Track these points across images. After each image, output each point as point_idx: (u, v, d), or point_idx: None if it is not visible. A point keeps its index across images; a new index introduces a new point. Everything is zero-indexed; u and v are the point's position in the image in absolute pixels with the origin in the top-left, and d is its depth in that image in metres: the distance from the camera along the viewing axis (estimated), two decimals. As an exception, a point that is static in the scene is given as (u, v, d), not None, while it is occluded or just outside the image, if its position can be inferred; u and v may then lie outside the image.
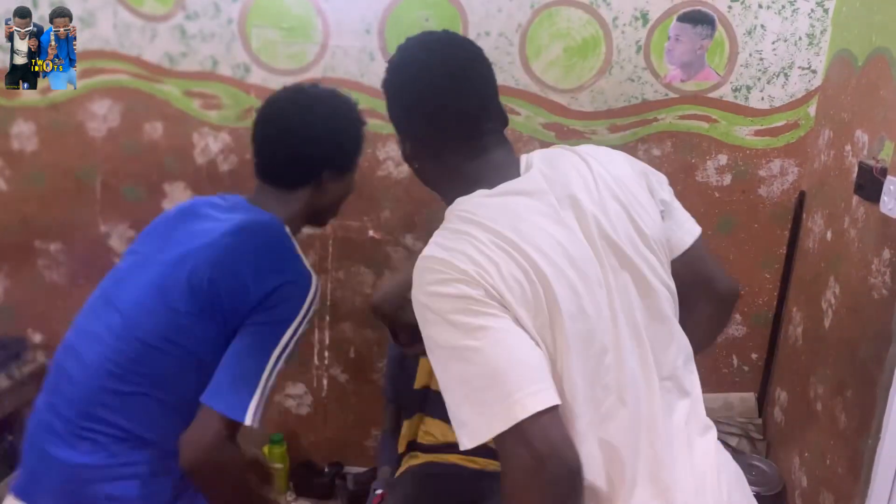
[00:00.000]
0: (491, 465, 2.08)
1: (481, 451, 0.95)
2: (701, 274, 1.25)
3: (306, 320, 1.25)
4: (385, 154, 2.48)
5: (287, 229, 1.35)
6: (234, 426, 1.18)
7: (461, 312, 0.93)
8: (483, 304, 0.93)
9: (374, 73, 2.40)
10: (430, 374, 2.22)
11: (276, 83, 2.43)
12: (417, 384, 2.26)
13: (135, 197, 2.62)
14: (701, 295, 1.25)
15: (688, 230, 1.23)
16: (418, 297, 0.98)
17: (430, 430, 2.22)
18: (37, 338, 2.84)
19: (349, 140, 1.47)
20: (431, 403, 2.21)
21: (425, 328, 0.98)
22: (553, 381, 0.94)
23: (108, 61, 2.49)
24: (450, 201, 1.09)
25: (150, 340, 1.25)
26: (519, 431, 0.88)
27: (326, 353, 2.70)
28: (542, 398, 0.90)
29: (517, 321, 0.94)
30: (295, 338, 1.24)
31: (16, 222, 2.70)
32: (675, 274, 1.14)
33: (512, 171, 1.10)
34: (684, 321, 1.16)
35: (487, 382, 0.91)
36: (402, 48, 1.19)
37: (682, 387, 1.12)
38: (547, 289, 0.95)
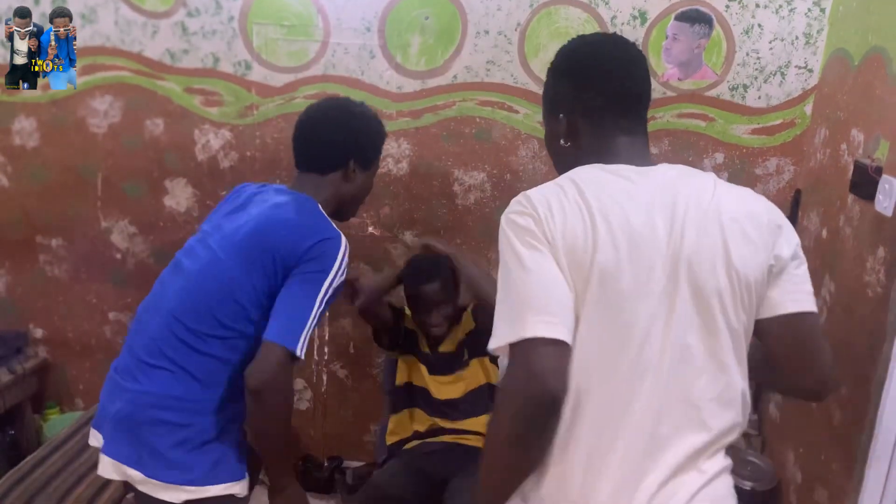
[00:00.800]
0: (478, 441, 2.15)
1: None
2: (799, 350, 1.22)
3: (342, 271, 1.50)
4: (385, 151, 2.47)
5: (320, 206, 1.61)
6: (290, 356, 1.41)
7: (521, 241, 1.09)
8: (539, 240, 1.08)
9: (374, 70, 2.42)
10: (410, 371, 2.26)
11: (277, 80, 2.45)
12: (399, 381, 2.29)
13: (136, 193, 2.64)
14: (794, 368, 1.23)
15: (795, 299, 1.20)
16: (502, 220, 1.15)
17: (417, 423, 2.26)
18: (38, 332, 2.85)
19: (374, 136, 1.76)
20: (419, 398, 2.25)
21: (500, 245, 1.14)
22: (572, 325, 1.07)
23: (109, 58, 2.50)
24: None
25: (213, 296, 1.50)
26: (522, 347, 1.03)
27: (326, 349, 2.72)
28: (551, 329, 1.03)
29: (559, 265, 1.08)
30: (333, 286, 1.48)
31: (17, 218, 2.72)
32: (773, 335, 1.18)
33: (637, 160, 1.19)
34: (764, 367, 1.23)
35: (518, 300, 1.07)
36: (579, 38, 1.32)
37: (703, 420, 1.13)
38: (595, 250, 1.07)
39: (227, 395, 1.50)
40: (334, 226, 1.56)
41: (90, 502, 1.92)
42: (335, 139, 1.67)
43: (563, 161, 1.27)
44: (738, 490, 2.28)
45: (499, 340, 1.08)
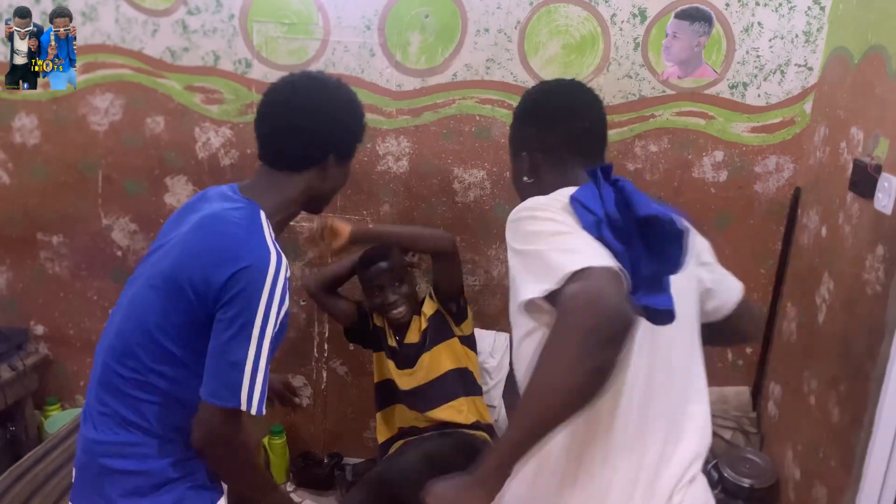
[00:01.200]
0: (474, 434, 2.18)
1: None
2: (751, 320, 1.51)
3: (275, 299, 1.25)
4: (385, 149, 2.50)
5: (262, 214, 1.35)
6: (230, 413, 1.25)
7: (548, 218, 1.14)
8: (567, 222, 1.13)
9: (375, 68, 2.42)
10: (381, 368, 2.30)
11: (277, 78, 2.45)
12: (376, 378, 2.32)
13: (136, 191, 2.64)
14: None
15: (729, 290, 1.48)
16: (521, 213, 1.18)
17: (400, 420, 2.28)
18: (39, 329, 2.86)
19: (356, 124, 1.50)
20: (402, 395, 2.26)
21: (529, 225, 1.15)
22: None
23: (110, 55, 2.51)
24: None
25: (134, 335, 1.32)
26: (586, 274, 1.00)
27: (326, 346, 2.72)
28: (610, 262, 1.03)
29: None
30: (268, 322, 1.25)
31: (18, 215, 2.72)
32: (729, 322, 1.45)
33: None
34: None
35: (562, 248, 1.07)
36: (542, 83, 1.50)
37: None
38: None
39: (175, 436, 1.34)
40: (261, 242, 1.30)
41: (91, 498, 1.92)
42: (314, 132, 1.40)
43: (528, 196, 1.32)
44: (737, 487, 2.30)
45: (548, 280, 1.02)
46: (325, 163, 1.43)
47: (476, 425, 2.21)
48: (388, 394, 2.30)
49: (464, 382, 2.25)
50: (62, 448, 2.13)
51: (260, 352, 1.25)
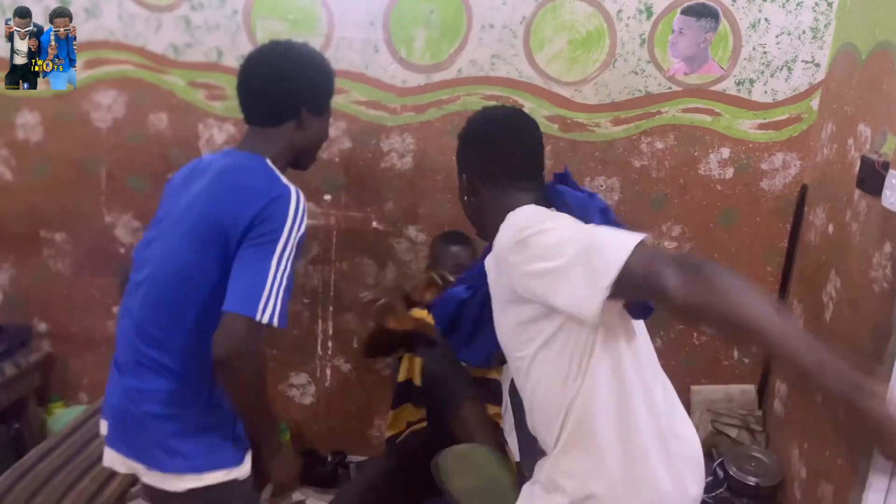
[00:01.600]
0: None
1: None
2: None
3: (297, 226, 1.42)
4: (389, 146, 2.49)
5: (269, 161, 1.51)
6: (252, 324, 1.34)
7: (560, 217, 1.26)
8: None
9: (379, 64, 2.41)
10: (411, 368, 2.25)
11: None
12: (400, 377, 2.29)
13: (139, 187, 2.63)
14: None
15: None
16: (523, 234, 1.21)
17: (409, 416, 2.26)
18: (42, 327, 2.86)
19: (324, 79, 1.62)
20: (416, 394, 2.24)
21: (543, 239, 1.19)
22: None
23: (113, 52, 2.50)
24: (487, 233, 1.41)
25: (171, 285, 1.45)
26: (644, 246, 1.10)
27: (330, 344, 2.72)
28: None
29: None
30: (291, 243, 1.40)
31: (21, 212, 2.72)
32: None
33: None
34: None
35: (602, 232, 1.17)
36: (483, 109, 1.56)
37: None
38: None
39: (211, 384, 1.47)
40: (283, 181, 1.47)
41: (94, 496, 1.92)
42: (284, 88, 1.54)
43: (472, 214, 1.51)
44: (743, 485, 2.29)
45: (604, 276, 1.09)
46: (300, 115, 1.56)
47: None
48: (406, 393, 2.27)
49: (487, 391, 2.22)
50: (66, 445, 2.13)
51: (280, 268, 1.38)
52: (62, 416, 2.77)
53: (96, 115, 2.57)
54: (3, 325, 2.74)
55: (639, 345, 1.33)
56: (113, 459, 1.53)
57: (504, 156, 1.44)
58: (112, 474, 2.00)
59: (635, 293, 1.16)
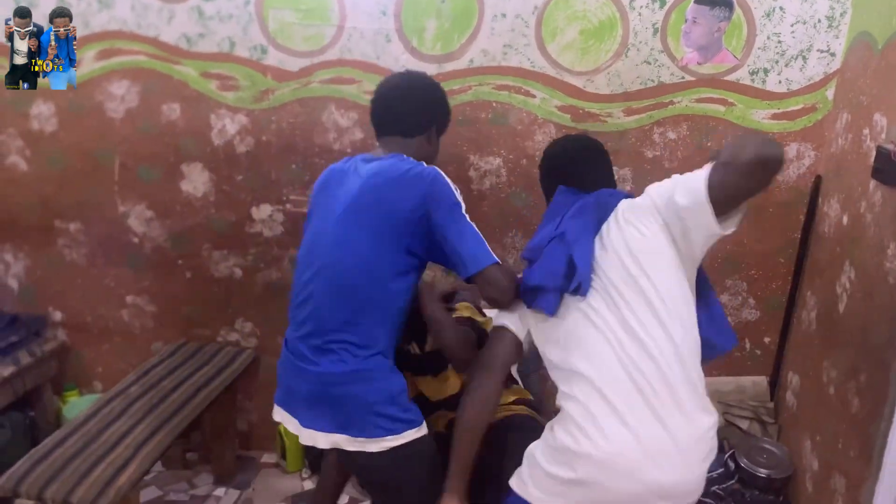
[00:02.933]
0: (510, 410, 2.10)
1: None
2: None
3: (454, 188, 1.67)
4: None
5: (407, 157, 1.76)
6: (498, 267, 1.63)
7: None
8: None
9: (390, 54, 2.41)
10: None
11: (293, 65, 2.45)
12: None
13: (152, 178, 2.65)
14: None
15: None
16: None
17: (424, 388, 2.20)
18: (57, 316, 2.88)
19: (449, 109, 1.89)
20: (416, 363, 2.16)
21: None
22: None
23: (126, 42, 2.51)
24: None
25: (354, 272, 1.65)
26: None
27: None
28: None
29: None
30: (461, 200, 1.67)
31: (36, 202, 2.74)
32: None
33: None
34: None
35: None
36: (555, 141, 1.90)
37: None
38: None
39: (394, 350, 1.72)
40: (425, 165, 1.71)
41: (108, 483, 1.94)
42: (423, 107, 1.83)
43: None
44: (754, 477, 2.29)
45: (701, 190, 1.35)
46: (430, 132, 1.82)
47: (518, 402, 2.14)
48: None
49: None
50: (80, 433, 2.15)
51: (471, 223, 1.65)
52: (77, 405, 2.80)
53: (109, 105, 2.59)
54: (18, 314, 2.77)
55: None
56: (314, 439, 1.70)
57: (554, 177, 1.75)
58: (125, 464, 2.02)
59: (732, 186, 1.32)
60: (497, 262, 1.63)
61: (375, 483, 1.79)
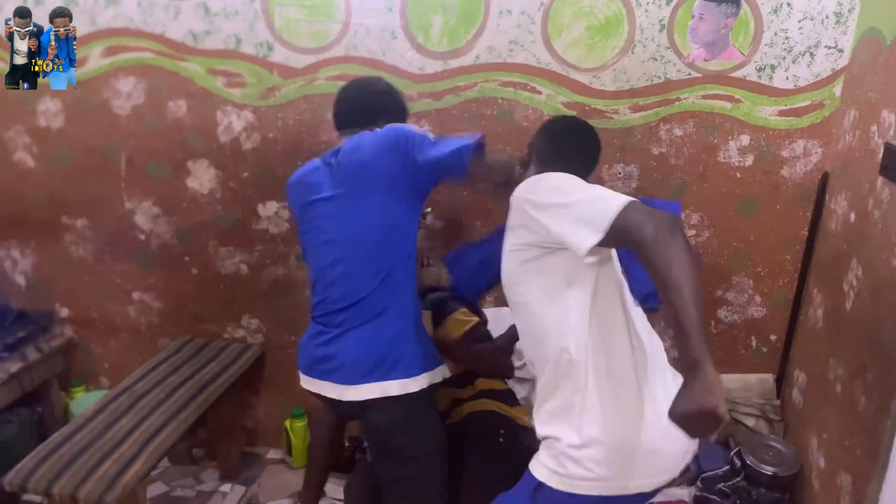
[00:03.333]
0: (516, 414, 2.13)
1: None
2: None
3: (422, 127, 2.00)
4: (406, 133, 2.48)
5: None
6: (474, 149, 1.83)
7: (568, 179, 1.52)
8: None
9: (396, 51, 2.40)
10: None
11: (299, 62, 2.45)
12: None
13: (158, 174, 2.65)
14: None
15: None
16: (545, 177, 1.53)
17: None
18: (64, 312, 2.89)
19: (403, 101, 2.06)
20: None
21: (560, 180, 1.49)
22: None
23: (132, 39, 2.51)
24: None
25: (371, 235, 1.82)
26: (634, 206, 1.30)
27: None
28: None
29: None
30: (431, 134, 1.86)
31: (43, 199, 2.75)
32: None
33: None
34: None
35: (595, 196, 1.38)
36: (563, 117, 1.98)
37: None
38: None
39: (414, 295, 1.91)
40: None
41: (115, 479, 1.95)
42: (377, 98, 2.00)
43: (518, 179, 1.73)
44: (760, 475, 2.28)
45: (606, 215, 1.31)
46: (376, 125, 1.91)
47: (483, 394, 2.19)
48: None
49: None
50: (87, 429, 2.16)
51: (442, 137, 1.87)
52: (84, 400, 2.81)
53: (116, 102, 2.59)
54: (25, 310, 2.79)
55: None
56: (365, 393, 1.82)
57: (554, 149, 1.74)
58: (132, 459, 2.03)
59: (619, 240, 1.33)
60: (469, 145, 1.79)
61: (397, 448, 1.87)
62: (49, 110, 2.64)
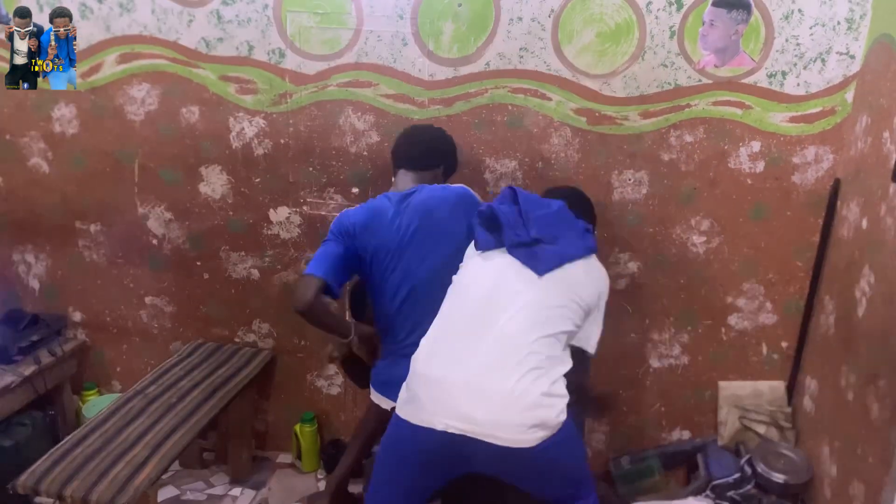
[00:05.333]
0: None
1: None
2: None
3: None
4: (416, 139, 2.49)
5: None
6: None
7: None
8: None
9: (407, 58, 2.42)
10: None
11: (311, 68, 2.47)
12: None
13: (172, 179, 2.68)
14: None
15: None
16: None
17: None
18: (77, 315, 2.92)
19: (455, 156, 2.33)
20: None
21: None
22: None
23: (146, 46, 2.54)
24: None
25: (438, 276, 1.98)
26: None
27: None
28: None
29: None
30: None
31: (57, 203, 2.78)
32: None
33: None
34: None
35: None
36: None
37: None
38: None
39: None
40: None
41: (127, 482, 1.96)
42: (437, 148, 2.26)
43: None
44: (771, 483, 2.27)
45: None
46: (438, 170, 2.22)
47: None
48: None
49: None
50: (100, 432, 2.18)
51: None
52: (96, 404, 2.83)
53: (130, 108, 2.62)
54: (39, 313, 2.81)
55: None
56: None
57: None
58: (143, 462, 2.04)
59: None
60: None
61: None
62: (64, 116, 2.67)
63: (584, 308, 1.84)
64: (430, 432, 1.70)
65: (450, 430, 1.68)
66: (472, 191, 2.14)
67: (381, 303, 2.09)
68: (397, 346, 2.08)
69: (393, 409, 1.91)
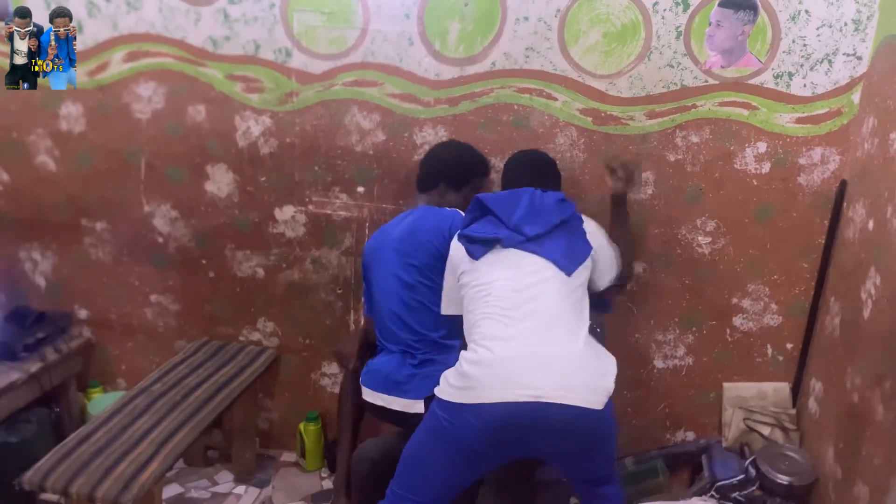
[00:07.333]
0: None
1: None
2: None
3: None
4: (422, 139, 2.50)
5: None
6: None
7: None
8: None
9: (413, 57, 2.42)
10: None
11: (317, 67, 2.47)
12: None
13: (178, 178, 2.68)
14: None
15: None
16: None
17: None
18: (82, 313, 2.93)
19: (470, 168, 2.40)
20: None
21: None
22: None
23: (153, 44, 2.54)
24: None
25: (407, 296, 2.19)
26: None
27: (361, 334, 2.74)
28: None
29: None
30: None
31: (63, 201, 2.79)
32: None
33: None
34: None
35: None
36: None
37: None
38: None
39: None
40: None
41: (132, 479, 1.96)
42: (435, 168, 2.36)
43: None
44: (775, 484, 2.27)
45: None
46: (435, 190, 2.33)
47: None
48: None
49: None
50: (104, 430, 2.18)
51: None
52: (101, 401, 2.84)
53: (136, 106, 2.63)
54: (45, 311, 2.82)
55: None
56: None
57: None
58: (148, 460, 2.05)
59: None
60: None
61: None
62: (71, 114, 2.68)
63: (587, 266, 2.00)
64: (498, 407, 1.72)
65: (521, 400, 1.71)
66: (458, 214, 2.18)
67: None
68: (378, 345, 2.32)
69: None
